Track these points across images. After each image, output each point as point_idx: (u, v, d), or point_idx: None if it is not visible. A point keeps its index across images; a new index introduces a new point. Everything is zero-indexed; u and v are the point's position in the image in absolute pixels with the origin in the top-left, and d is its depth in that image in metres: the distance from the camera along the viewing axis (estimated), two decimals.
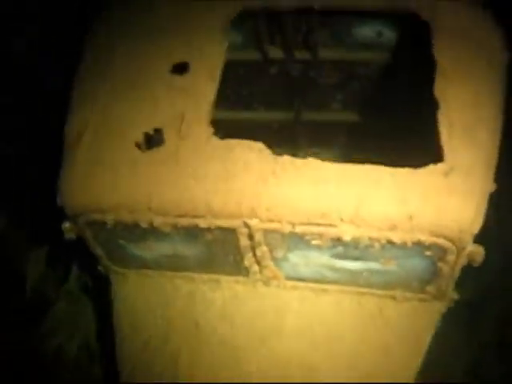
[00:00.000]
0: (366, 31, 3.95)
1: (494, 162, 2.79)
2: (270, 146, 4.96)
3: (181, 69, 3.29)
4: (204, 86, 3.15)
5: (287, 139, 4.96)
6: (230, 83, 4.36)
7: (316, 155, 4.84)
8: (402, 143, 4.21)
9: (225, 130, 4.98)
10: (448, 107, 2.84)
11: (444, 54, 3.03)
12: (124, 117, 3.16)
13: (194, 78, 3.20)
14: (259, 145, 2.80)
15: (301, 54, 4.16)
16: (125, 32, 3.57)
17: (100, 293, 4.22)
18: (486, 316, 4.54)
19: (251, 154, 2.78)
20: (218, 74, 3.19)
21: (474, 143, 2.75)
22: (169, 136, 2.97)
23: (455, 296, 3.26)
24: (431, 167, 2.67)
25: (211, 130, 2.92)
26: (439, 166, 2.68)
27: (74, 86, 3.38)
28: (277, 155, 2.78)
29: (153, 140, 2.97)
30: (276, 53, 4.18)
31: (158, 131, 2.99)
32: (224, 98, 4.45)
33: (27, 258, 4.90)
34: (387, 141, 4.30)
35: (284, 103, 4.64)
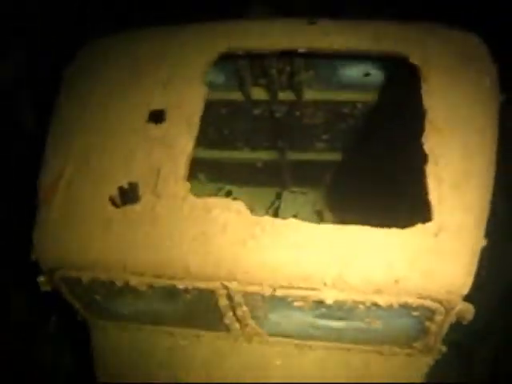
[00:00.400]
0: (353, 71, 3.86)
1: (484, 218, 2.68)
2: (254, 184, 4.96)
3: (157, 117, 3.17)
4: (181, 137, 3.04)
5: (272, 178, 4.86)
6: (212, 123, 4.27)
7: (303, 195, 4.85)
8: (388, 190, 4.13)
9: (208, 168, 4.93)
10: (437, 161, 2.74)
11: (433, 104, 2.94)
12: (99, 169, 3.05)
13: (171, 129, 3.09)
14: (238, 205, 2.68)
15: (285, 95, 4.05)
16: (100, 76, 3.47)
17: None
18: (476, 358, 4.45)
19: (230, 215, 2.66)
20: (196, 123, 3.08)
21: (465, 200, 2.65)
22: (144, 192, 2.85)
23: (443, 349, 3.14)
24: (419, 227, 2.57)
25: (188, 186, 2.80)
26: (428, 226, 2.57)
27: (48, 135, 3.26)
28: (256, 215, 2.65)
29: (127, 196, 2.85)
30: (259, 94, 4.06)
31: (133, 186, 2.87)
32: (206, 137, 4.36)
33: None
34: (372, 185, 4.21)
35: (268, 143, 4.53)
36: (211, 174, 4.96)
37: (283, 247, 2.58)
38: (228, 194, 4.93)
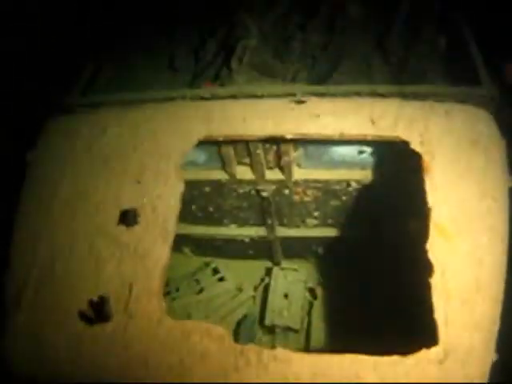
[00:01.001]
0: (346, 149, 3.62)
1: (495, 334, 2.42)
2: (243, 258, 4.66)
3: (129, 219, 2.90)
4: (155, 246, 2.77)
5: (262, 253, 4.58)
6: (195, 200, 4.01)
7: (294, 271, 4.55)
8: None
9: (193, 242, 4.63)
10: (444, 271, 2.48)
11: (438, 201, 2.73)
12: (66, 278, 2.77)
13: (145, 234, 2.83)
14: (219, 330, 2.39)
15: (272, 174, 3.78)
16: (66, 165, 3.23)
17: None
18: None
19: (210, 343, 2.36)
20: (172, 228, 2.82)
21: (473, 317, 2.40)
22: (116, 309, 2.55)
23: None
24: (423, 353, 2.29)
25: (164, 305, 2.51)
26: (433, 351, 2.31)
27: (12, 236, 2.98)
28: (240, 345, 2.36)
29: (98, 313, 2.56)
30: (245, 173, 3.79)
31: (103, 301, 2.57)
32: (189, 214, 4.09)
33: None
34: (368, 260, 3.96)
35: (256, 220, 4.26)
36: (197, 247, 4.67)
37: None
38: (215, 272, 4.62)
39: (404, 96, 3.35)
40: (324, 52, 4.39)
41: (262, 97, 3.42)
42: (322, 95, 3.38)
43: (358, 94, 3.39)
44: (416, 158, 2.97)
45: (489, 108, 3.27)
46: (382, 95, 3.36)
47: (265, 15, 4.54)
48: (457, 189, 2.81)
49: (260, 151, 3.57)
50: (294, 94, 3.44)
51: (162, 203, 2.93)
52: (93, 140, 3.33)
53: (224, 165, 3.74)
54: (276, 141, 3.34)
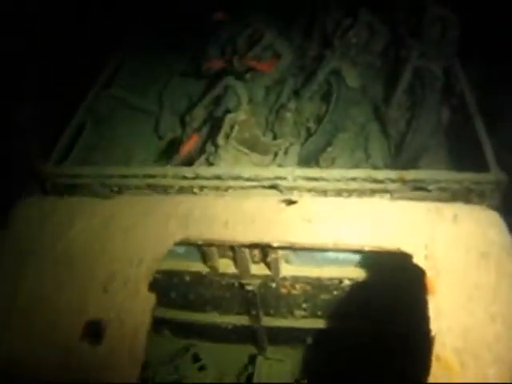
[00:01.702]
0: None
1: None
2: (225, 343, 4.33)
3: (93, 333, 2.60)
4: (121, 371, 2.44)
5: (245, 340, 4.25)
6: (174, 288, 3.68)
7: (279, 362, 4.21)
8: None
9: (174, 325, 4.29)
10: None
11: (442, 329, 2.44)
12: None
13: (109, 355, 2.51)
14: None
15: (258, 269, 3.46)
16: (30, 264, 2.93)
17: None
18: None
19: None
20: (141, 352, 2.51)
21: None
22: None
23: None
24: None
25: None
26: None
27: None
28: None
29: None
30: (227, 266, 3.46)
31: None
32: (168, 300, 3.77)
33: None
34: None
35: (240, 309, 3.92)
36: (177, 329, 4.34)
37: None
38: (195, 359, 4.28)
39: (404, 182, 3.04)
40: (319, 124, 4.09)
41: (248, 180, 3.16)
42: (314, 180, 3.11)
43: (354, 179, 3.08)
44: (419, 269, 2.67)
45: (499, 209, 3.02)
46: (381, 182, 3.03)
47: (257, 80, 4.23)
48: (463, 313, 2.52)
49: (245, 248, 3.24)
50: (284, 178, 3.14)
51: (131, 318, 2.62)
52: (60, 233, 3.05)
53: (205, 258, 3.41)
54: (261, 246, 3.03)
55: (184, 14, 4.95)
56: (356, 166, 3.99)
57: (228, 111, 3.84)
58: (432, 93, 3.97)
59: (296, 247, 2.90)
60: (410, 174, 3.07)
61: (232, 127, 3.66)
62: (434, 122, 3.97)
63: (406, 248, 2.75)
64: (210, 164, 3.59)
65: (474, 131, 3.44)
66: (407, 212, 2.92)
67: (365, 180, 3.10)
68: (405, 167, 3.79)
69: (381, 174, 3.08)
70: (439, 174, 3.09)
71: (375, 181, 3.11)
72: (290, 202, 3.01)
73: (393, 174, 3.08)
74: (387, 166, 4.02)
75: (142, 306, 2.68)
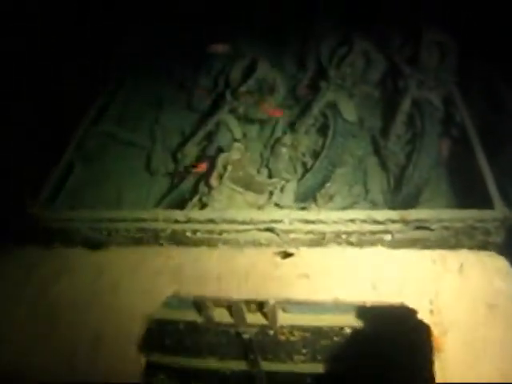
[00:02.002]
0: None
1: None
2: None
3: None
4: None
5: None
6: (169, 335, 3.56)
7: None
8: None
9: (168, 371, 4.15)
10: None
11: None
12: None
13: None
14: None
15: (255, 318, 3.31)
16: (11, 323, 2.81)
17: None
18: None
19: None
20: None
21: None
22: None
23: None
24: None
25: None
26: None
27: None
28: None
29: None
30: (223, 315, 3.32)
31: None
32: (163, 344, 3.63)
33: None
34: None
35: (238, 354, 3.78)
36: (174, 376, 4.20)
37: None
38: None
39: (406, 223, 2.91)
40: (315, 159, 3.96)
41: (243, 223, 3.05)
42: (311, 223, 3.01)
43: (353, 221, 2.95)
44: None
45: (504, 245, 3.00)
46: (382, 223, 2.93)
47: (250, 114, 4.11)
48: (471, 374, 2.39)
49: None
50: (280, 221, 3.02)
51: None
52: (44, 287, 2.93)
53: (199, 307, 3.28)
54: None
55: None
56: (355, 202, 3.86)
57: (221, 149, 3.72)
58: (432, 124, 3.84)
59: (292, 303, 2.75)
60: (412, 214, 2.95)
61: (225, 167, 3.54)
62: (434, 155, 3.84)
63: (409, 303, 2.62)
64: (204, 205, 3.48)
65: (475, 164, 3.31)
66: (410, 263, 2.79)
67: (364, 221, 2.98)
68: (405, 203, 3.68)
69: (381, 215, 2.96)
70: (442, 213, 2.96)
71: (375, 222, 2.98)
72: (286, 255, 2.87)
73: (394, 214, 2.96)
74: (387, 202, 3.90)
75: (131, 370, 2.55)
